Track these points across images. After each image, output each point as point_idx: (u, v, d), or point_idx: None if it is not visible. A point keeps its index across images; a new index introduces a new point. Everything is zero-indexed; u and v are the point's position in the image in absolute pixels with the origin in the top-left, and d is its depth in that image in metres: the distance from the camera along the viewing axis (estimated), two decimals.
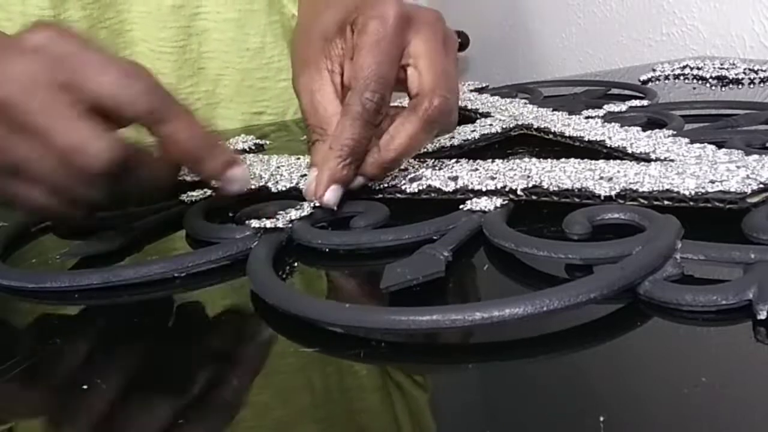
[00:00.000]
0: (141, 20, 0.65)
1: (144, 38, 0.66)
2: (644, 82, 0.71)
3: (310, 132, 0.40)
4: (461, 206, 0.36)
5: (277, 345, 0.29)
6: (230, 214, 0.41)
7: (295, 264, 0.35)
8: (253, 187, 0.42)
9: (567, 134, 0.48)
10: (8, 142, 0.33)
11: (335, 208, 0.38)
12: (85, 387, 0.26)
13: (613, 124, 0.48)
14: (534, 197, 0.36)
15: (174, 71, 0.67)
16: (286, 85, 0.73)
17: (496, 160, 0.42)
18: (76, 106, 0.33)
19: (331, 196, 0.37)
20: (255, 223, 0.35)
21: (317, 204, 0.38)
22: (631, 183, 0.35)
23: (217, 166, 0.37)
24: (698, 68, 0.73)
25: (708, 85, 0.68)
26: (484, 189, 0.37)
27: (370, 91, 0.37)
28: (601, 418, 0.21)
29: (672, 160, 0.39)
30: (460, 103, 0.61)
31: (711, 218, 0.33)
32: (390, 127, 0.38)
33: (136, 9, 0.65)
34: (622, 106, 0.56)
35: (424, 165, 0.43)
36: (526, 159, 0.41)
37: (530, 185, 0.36)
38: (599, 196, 0.35)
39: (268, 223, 0.35)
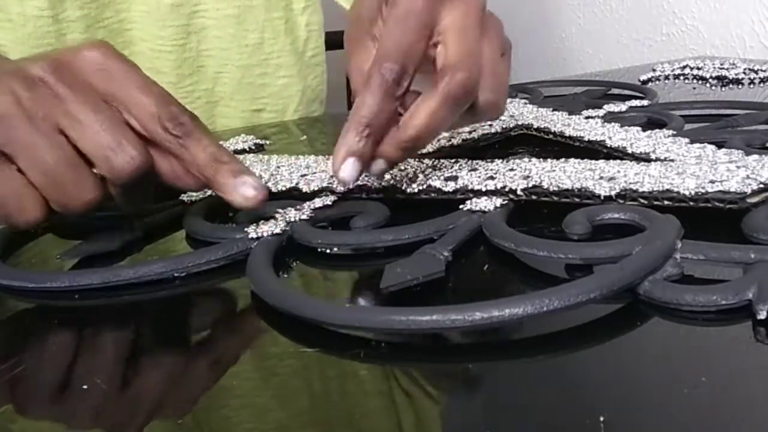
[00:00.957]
0: (140, 19, 0.65)
1: (143, 37, 0.66)
2: (644, 82, 0.71)
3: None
4: (461, 206, 0.36)
5: (277, 345, 0.29)
6: (230, 214, 0.41)
7: (295, 264, 0.35)
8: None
9: (567, 134, 0.48)
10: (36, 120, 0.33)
11: (350, 185, 0.36)
12: (84, 387, 0.26)
13: (613, 124, 0.48)
14: (534, 197, 0.36)
15: (173, 70, 0.67)
16: (285, 81, 0.73)
17: (496, 160, 0.42)
18: (117, 114, 0.35)
19: (347, 171, 0.36)
20: (253, 233, 0.35)
21: (335, 186, 0.37)
22: (631, 183, 0.35)
23: (232, 189, 0.36)
24: (698, 68, 0.73)
25: (708, 85, 0.68)
26: (483, 189, 0.37)
27: (391, 61, 0.35)
28: (601, 418, 0.21)
29: (672, 160, 0.39)
30: None
31: (711, 218, 0.33)
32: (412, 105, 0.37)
33: (136, 8, 0.65)
34: (622, 106, 0.56)
35: (424, 165, 0.43)
36: (526, 159, 0.41)
37: (530, 185, 0.36)
38: (599, 196, 0.35)
39: (266, 230, 0.35)
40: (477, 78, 0.36)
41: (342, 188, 0.38)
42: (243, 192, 0.35)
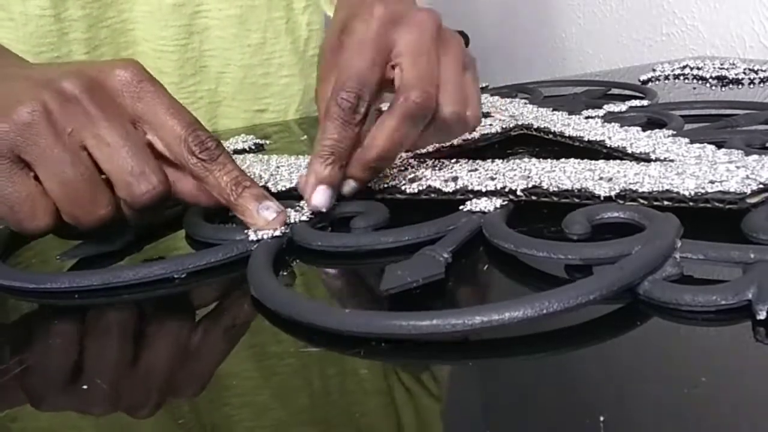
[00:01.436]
0: (143, 19, 0.65)
1: (146, 37, 0.66)
2: (644, 82, 0.71)
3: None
4: (461, 207, 0.36)
5: (278, 345, 0.29)
6: (230, 214, 0.41)
7: (295, 264, 0.35)
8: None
9: (567, 134, 0.48)
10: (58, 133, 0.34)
11: (324, 210, 0.38)
12: (84, 387, 0.26)
13: (612, 124, 0.48)
14: (534, 198, 0.36)
15: (176, 70, 0.67)
16: (287, 81, 0.73)
17: (496, 161, 0.42)
18: (142, 139, 0.35)
19: (319, 197, 0.37)
20: (252, 235, 0.35)
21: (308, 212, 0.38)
22: (630, 183, 0.35)
23: (254, 213, 0.36)
24: (698, 68, 0.73)
25: (708, 85, 0.68)
26: (483, 189, 0.37)
27: (346, 90, 0.37)
28: (601, 418, 0.21)
29: (672, 160, 0.39)
30: None
31: (711, 218, 0.33)
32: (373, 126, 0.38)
33: (138, 8, 0.65)
34: (622, 106, 0.56)
35: (424, 165, 0.43)
36: (526, 159, 0.41)
37: (530, 185, 0.36)
38: (599, 197, 0.35)
39: (267, 234, 0.35)
40: (433, 94, 0.38)
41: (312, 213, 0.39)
42: (265, 216, 0.36)
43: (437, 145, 0.48)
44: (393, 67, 0.39)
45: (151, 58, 0.65)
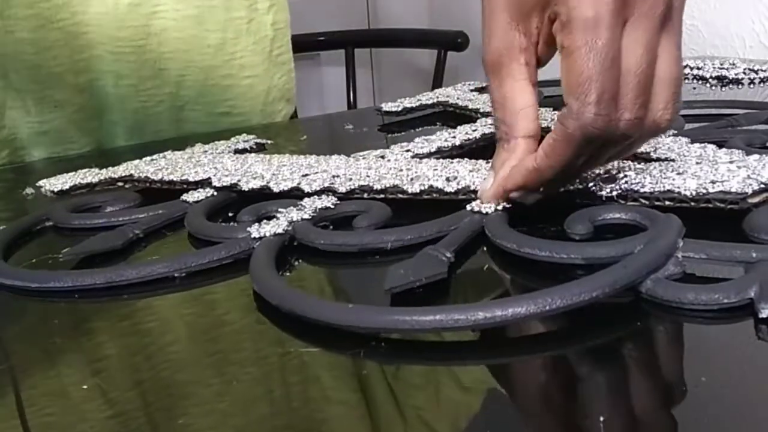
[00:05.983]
0: (98, 21, 0.63)
1: (101, 40, 0.63)
2: None
3: (495, 124, 0.36)
4: (467, 206, 0.36)
5: (279, 344, 0.29)
6: (230, 214, 0.41)
7: (298, 263, 0.35)
8: (255, 187, 0.42)
9: None
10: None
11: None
12: (84, 387, 0.26)
13: None
14: None
15: (134, 72, 0.65)
16: (250, 82, 0.71)
17: None
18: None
19: (493, 203, 0.35)
20: (255, 233, 0.35)
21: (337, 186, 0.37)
22: (632, 183, 0.35)
23: None
24: (698, 68, 0.73)
25: (708, 85, 0.68)
26: None
27: (601, 104, 0.30)
28: (601, 418, 0.21)
29: (673, 160, 0.39)
30: (460, 102, 0.62)
31: (712, 218, 0.33)
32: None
33: (93, 10, 0.63)
34: None
35: (425, 165, 0.43)
36: None
37: None
38: (600, 197, 0.35)
39: (269, 230, 0.35)
40: (606, 114, 0.30)
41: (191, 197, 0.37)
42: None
43: (437, 144, 0.48)
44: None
45: (107, 61, 0.64)
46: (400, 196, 0.40)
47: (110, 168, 0.49)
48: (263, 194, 0.42)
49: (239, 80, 0.70)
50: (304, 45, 1.49)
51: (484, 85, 0.70)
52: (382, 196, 0.40)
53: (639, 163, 0.38)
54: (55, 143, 0.64)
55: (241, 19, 0.70)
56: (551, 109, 0.54)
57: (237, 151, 0.55)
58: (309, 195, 0.40)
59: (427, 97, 0.66)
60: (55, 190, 0.46)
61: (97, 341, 0.31)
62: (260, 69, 0.72)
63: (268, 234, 0.35)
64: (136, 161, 0.50)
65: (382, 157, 0.46)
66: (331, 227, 0.38)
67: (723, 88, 0.65)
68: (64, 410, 0.26)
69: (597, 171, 0.37)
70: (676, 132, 0.45)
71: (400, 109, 0.64)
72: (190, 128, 0.69)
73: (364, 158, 0.46)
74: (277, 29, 0.73)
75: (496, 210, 0.35)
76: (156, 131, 0.67)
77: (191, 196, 0.43)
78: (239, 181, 0.43)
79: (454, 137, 0.50)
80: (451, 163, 0.43)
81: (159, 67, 0.67)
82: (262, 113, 0.73)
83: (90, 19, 0.63)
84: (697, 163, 0.37)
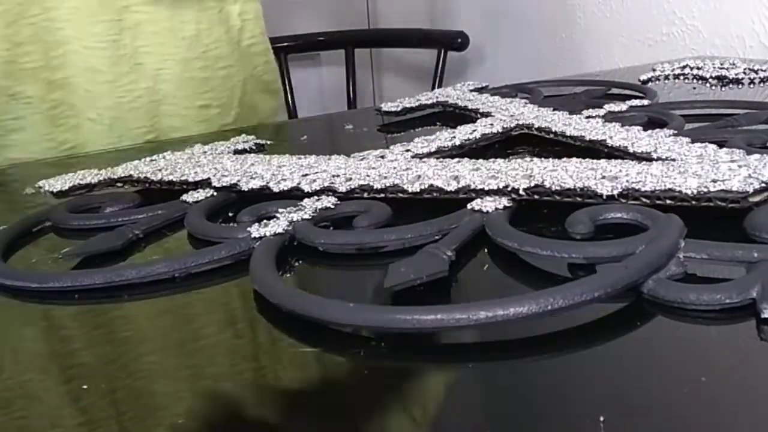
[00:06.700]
0: (71, 17, 0.63)
1: (76, 36, 0.63)
2: (644, 82, 0.71)
3: None
4: (468, 205, 0.36)
5: (279, 344, 0.29)
6: (230, 214, 0.41)
7: (298, 263, 0.35)
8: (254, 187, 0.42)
9: (568, 134, 0.48)
10: None
11: None
12: (85, 387, 0.26)
13: (613, 123, 0.48)
14: (536, 197, 0.36)
15: (110, 68, 0.65)
16: (225, 73, 0.70)
17: (498, 160, 0.42)
18: None
19: None
20: (255, 233, 0.35)
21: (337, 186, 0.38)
22: (633, 182, 0.35)
23: None
24: (698, 68, 0.73)
25: (708, 85, 0.68)
26: (486, 188, 0.37)
27: None
28: (601, 418, 0.21)
29: (673, 160, 0.39)
30: (460, 102, 0.62)
31: (713, 217, 0.33)
32: None
33: (66, 5, 0.62)
34: (623, 106, 0.56)
35: (426, 164, 0.43)
36: (528, 158, 0.41)
37: (532, 184, 0.36)
38: (601, 196, 0.35)
39: (269, 230, 0.35)
40: None
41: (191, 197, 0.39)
42: None
43: (437, 144, 0.48)
44: None
45: (83, 56, 0.63)
46: (401, 195, 0.40)
47: (110, 168, 0.49)
48: (263, 194, 0.42)
49: (215, 71, 0.70)
50: (304, 45, 1.50)
51: (483, 85, 0.70)
52: (382, 195, 0.40)
53: (640, 163, 0.38)
54: (31, 142, 0.64)
55: (213, 9, 0.69)
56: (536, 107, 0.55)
57: (237, 152, 0.55)
58: (309, 195, 0.40)
59: (427, 98, 0.66)
60: (55, 190, 0.46)
61: (97, 341, 0.31)
62: (233, 59, 0.71)
63: (268, 234, 0.35)
64: (136, 161, 0.50)
65: (382, 157, 0.46)
66: (331, 227, 0.38)
67: (723, 88, 0.65)
68: (65, 410, 0.26)
69: (598, 170, 0.37)
70: (676, 132, 0.45)
71: (399, 109, 0.64)
72: (169, 123, 0.68)
73: (364, 158, 0.46)
74: (245, 19, 0.72)
75: (496, 209, 0.35)
76: (135, 128, 0.67)
77: (191, 197, 0.43)
78: (239, 181, 0.43)
79: (454, 137, 0.50)
80: (452, 162, 0.43)
81: (135, 62, 0.66)
82: (242, 105, 0.72)
83: (63, 14, 0.62)
84: (698, 162, 0.37)
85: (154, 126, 0.68)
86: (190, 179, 0.45)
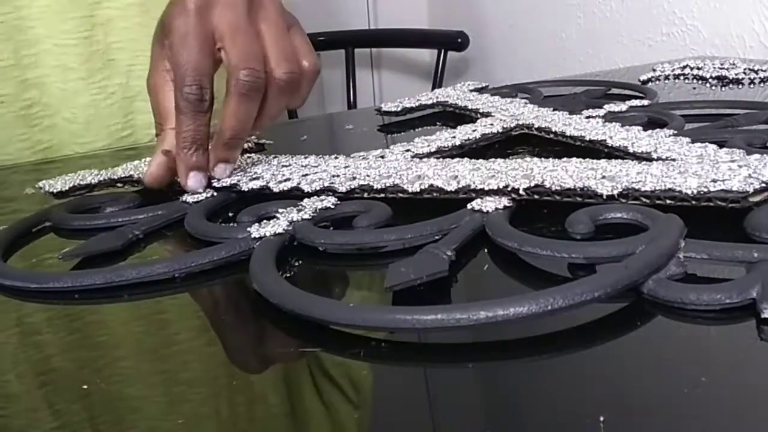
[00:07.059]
0: (42, 15, 0.62)
1: (48, 34, 0.63)
2: (644, 82, 0.71)
3: (156, 126, 0.45)
4: (468, 205, 0.36)
5: (279, 344, 0.29)
6: (230, 214, 0.41)
7: (298, 263, 0.35)
8: (254, 187, 0.42)
9: (568, 134, 0.48)
10: None
11: (201, 191, 0.43)
12: (85, 387, 0.26)
13: (613, 123, 0.48)
14: (536, 197, 0.36)
15: (82, 65, 0.64)
16: None
17: (498, 160, 0.42)
18: None
19: (193, 181, 0.43)
20: (255, 233, 0.35)
21: (336, 186, 0.40)
22: (633, 182, 0.35)
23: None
24: (698, 68, 0.73)
25: (708, 85, 0.68)
26: (486, 188, 0.37)
27: (187, 84, 0.41)
28: (601, 418, 0.21)
29: (673, 160, 0.39)
30: (460, 102, 0.62)
31: (713, 217, 0.33)
32: None
33: (37, 3, 0.62)
34: (623, 106, 0.56)
35: (426, 164, 0.43)
36: (527, 158, 0.41)
37: (532, 184, 0.36)
38: (601, 196, 0.35)
39: (269, 230, 0.35)
40: (258, 68, 0.42)
41: (191, 197, 0.43)
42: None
43: (437, 144, 0.48)
44: (220, 50, 0.43)
45: (55, 54, 0.63)
46: (401, 195, 0.40)
47: (110, 169, 0.49)
48: (263, 194, 0.42)
49: None
50: None
51: (483, 85, 0.70)
52: (382, 195, 0.40)
53: (640, 163, 0.38)
54: (5, 143, 0.63)
55: None
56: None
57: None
58: (309, 195, 0.40)
59: (427, 97, 0.66)
60: (55, 191, 0.46)
61: (97, 341, 0.31)
62: None
63: (268, 234, 0.35)
64: (136, 162, 0.50)
65: (382, 157, 0.46)
66: (331, 227, 0.38)
67: (723, 88, 0.65)
68: (65, 410, 0.26)
69: (598, 170, 0.37)
70: (676, 132, 0.45)
71: (399, 109, 0.64)
72: (143, 119, 0.68)
73: (364, 158, 0.46)
74: None
75: (496, 209, 0.35)
76: (111, 124, 0.66)
77: (191, 197, 0.43)
78: (239, 181, 0.43)
79: (454, 137, 0.50)
80: (451, 162, 0.43)
81: (108, 58, 0.66)
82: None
83: (33, 13, 0.62)
84: (698, 162, 0.37)
85: (129, 122, 0.68)
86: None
